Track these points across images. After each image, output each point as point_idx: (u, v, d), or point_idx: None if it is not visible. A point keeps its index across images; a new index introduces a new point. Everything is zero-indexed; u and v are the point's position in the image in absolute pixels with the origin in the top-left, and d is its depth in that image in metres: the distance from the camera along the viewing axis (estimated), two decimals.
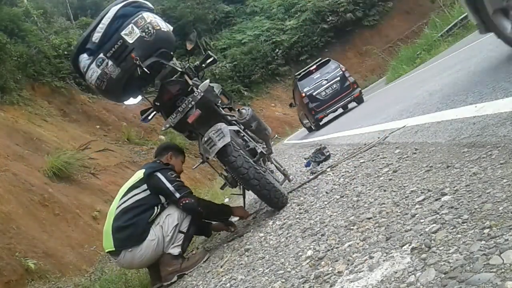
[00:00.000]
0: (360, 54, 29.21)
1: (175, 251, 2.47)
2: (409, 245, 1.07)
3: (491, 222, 0.95)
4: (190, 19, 28.48)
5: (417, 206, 1.30)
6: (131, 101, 2.75)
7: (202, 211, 2.51)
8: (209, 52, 3.11)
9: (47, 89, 12.26)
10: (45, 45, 13.81)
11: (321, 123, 10.70)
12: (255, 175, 2.23)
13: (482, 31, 2.50)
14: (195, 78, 2.72)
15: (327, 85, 10.50)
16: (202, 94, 2.44)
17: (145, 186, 2.50)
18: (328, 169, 2.84)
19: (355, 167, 2.43)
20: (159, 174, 2.49)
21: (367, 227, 1.38)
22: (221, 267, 2.05)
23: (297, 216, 2.06)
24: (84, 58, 2.50)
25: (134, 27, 2.38)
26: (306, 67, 11.75)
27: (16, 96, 10.32)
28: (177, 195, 2.43)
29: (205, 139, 2.30)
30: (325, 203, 2.02)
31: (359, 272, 1.11)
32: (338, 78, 10.52)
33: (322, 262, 1.32)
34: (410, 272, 0.95)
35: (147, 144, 12.27)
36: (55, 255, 4.75)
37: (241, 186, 2.77)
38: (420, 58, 12.25)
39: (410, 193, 1.44)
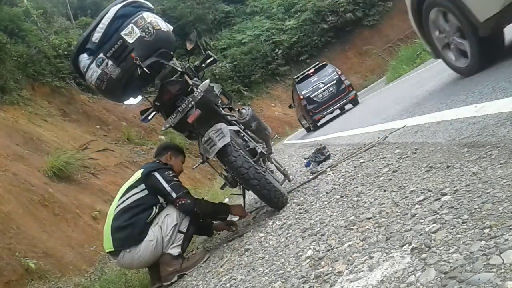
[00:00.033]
0: (360, 54, 29.17)
1: (175, 251, 2.47)
2: (409, 245, 1.07)
3: (491, 222, 0.95)
4: (190, 19, 28.45)
5: (417, 206, 1.30)
6: (131, 101, 2.75)
7: (198, 212, 2.49)
8: (209, 52, 3.11)
9: (47, 89, 12.26)
10: (45, 45, 13.80)
11: (318, 124, 11.20)
12: (255, 175, 2.23)
13: (435, 57, 3.30)
14: (195, 78, 2.72)
15: (324, 88, 11.11)
16: (202, 94, 2.44)
17: (143, 186, 2.50)
18: (328, 169, 2.84)
19: (355, 167, 2.43)
20: (156, 174, 2.49)
21: (367, 227, 1.38)
22: (221, 267, 2.05)
23: (297, 216, 2.06)
24: (84, 58, 2.50)
25: (134, 27, 2.38)
26: (304, 71, 12.36)
27: (16, 96, 10.32)
28: (174, 195, 2.43)
29: (205, 139, 2.30)
30: (325, 203, 2.02)
31: (359, 272, 1.11)
32: (335, 81, 11.15)
33: (322, 262, 1.32)
34: (410, 272, 0.95)
35: (147, 144, 12.27)
36: (55, 255, 4.75)
37: (241, 186, 2.77)
38: (420, 58, 12.22)
39: (410, 193, 1.44)
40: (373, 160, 2.30)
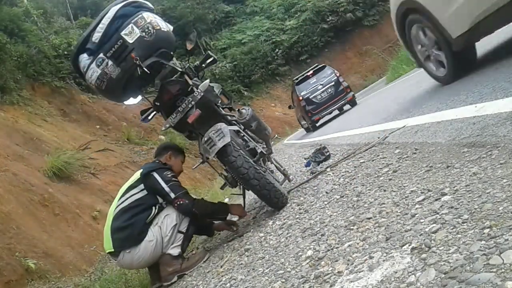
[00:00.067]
0: (360, 54, 29.14)
1: (175, 251, 2.47)
2: (409, 245, 1.07)
3: (491, 222, 0.95)
4: (190, 19, 28.45)
5: (417, 206, 1.29)
6: (131, 101, 2.75)
7: (197, 213, 2.49)
8: (209, 52, 3.11)
9: (47, 89, 12.27)
10: (45, 45, 13.81)
11: (317, 125, 11.42)
12: (255, 175, 2.23)
13: (418, 66, 3.60)
14: (195, 78, 2.72)
15: (322, 89, 11.38)
16: (202, 94, 2.44)
17: (142, 186, 2.50)
18: (328, 169, 2.84)
19: (355, 167, 2.42)
20: (155, 174, 2.49)
21: (367, 227, 1.38)
22: (221, 267, 2.05)
23: (297, 216, 2.06)
24: (84, 58, 2.50)
25: (134, 27, 2.38)
26: (303, 72, 12.62)
27: (16, 96, 10.32)
28: (172, 195, 2.42)
29: (205, 139, 2.30)
30: (325, 203, 2.02)
31: (359, 272, 1.11)
32: (333, 83, 11.42)
33: (322, 262, 1.32)
34: (410, 272, 0.95)
35: (147, 144, 12.27)
36: (55, 255, 4.75)
37: (241, 186, 2.76)
38: None
39: (410, 193, 1.44)
40: (373, 160, 2.30)
